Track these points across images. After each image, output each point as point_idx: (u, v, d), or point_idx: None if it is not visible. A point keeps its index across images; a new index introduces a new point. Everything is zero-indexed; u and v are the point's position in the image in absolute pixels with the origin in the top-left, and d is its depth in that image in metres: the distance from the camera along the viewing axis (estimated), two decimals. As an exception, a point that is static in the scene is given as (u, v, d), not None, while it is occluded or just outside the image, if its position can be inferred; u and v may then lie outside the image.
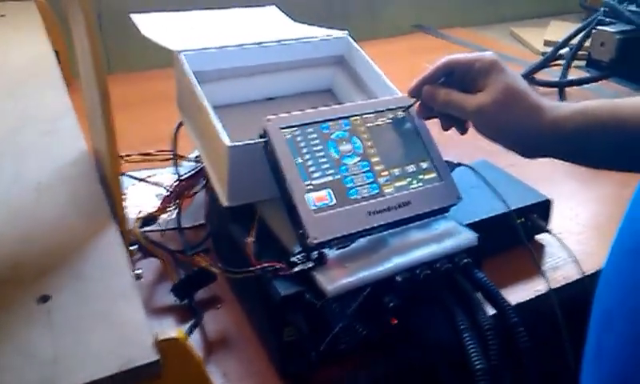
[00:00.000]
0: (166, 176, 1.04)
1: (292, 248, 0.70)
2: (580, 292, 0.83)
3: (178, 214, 0.92)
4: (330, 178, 0.71)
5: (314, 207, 0.68)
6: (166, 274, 0.82)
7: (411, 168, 0.76)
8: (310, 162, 0.71)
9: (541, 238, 0.92)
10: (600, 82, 1.40)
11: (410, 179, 0.75)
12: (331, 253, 0.69)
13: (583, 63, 1.44)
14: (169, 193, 0.91)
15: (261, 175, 0.72)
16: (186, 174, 0.92)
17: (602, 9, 1.37)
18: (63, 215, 0.66)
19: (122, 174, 0.98)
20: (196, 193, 0.93)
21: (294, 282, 0.67)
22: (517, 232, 0.86)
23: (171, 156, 0.94)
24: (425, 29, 2.01)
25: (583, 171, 0.80)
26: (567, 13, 2.09)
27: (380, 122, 0.78)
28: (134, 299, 0.54)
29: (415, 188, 0.75)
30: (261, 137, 0.71)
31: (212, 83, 0.87)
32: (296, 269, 0.67)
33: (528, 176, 0.94)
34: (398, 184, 0.74)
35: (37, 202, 0.67)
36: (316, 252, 0.68)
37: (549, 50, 1.55)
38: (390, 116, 0.79)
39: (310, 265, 0.68)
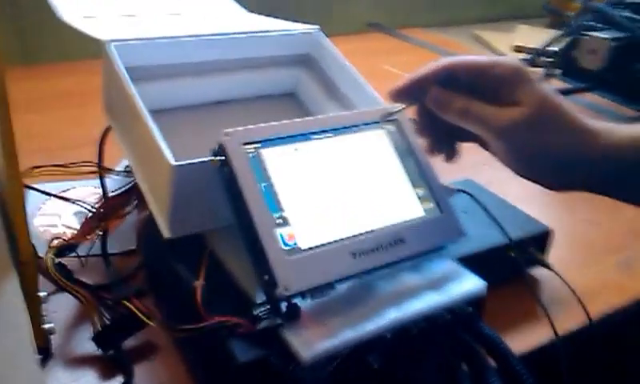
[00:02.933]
0: (88, 190, 0.87)
1: (254, 296, 0.57)
2: (588, 339, 0.73)
3: (104, 238, 0.75)
4: (305, 209, 0.57)
5: (286, 247, 0.53)
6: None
7: (404, 195, 0.62)
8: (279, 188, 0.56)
9: (536, 272, 0.80)
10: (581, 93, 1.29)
11: (402, 210, 0.61)
12: (305, 304, 0.55)
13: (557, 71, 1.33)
14: (92, 214, 0.74)
15: (212, 201, 0.58)
16: (114, 190, 0.76)
17: (591, 14, 1.25)
18: None
19: (30, 188, 0.79)
20: (127, 213, 0.77)
21: (257, 343, 0.53)
22: (514, 266, 0.75)
23: (95, 167, 0.78)
24: (382, 28, 1.87)
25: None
26: (528, 17, 1.99)
27: (364, 139, 0.63)
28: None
29: (410, 221, 0.60)
30: (215, 154, 0.55)
31: (149, 82, 0.73)
32: (260, 326, 0.54)
33: (506, 195, 0.84)
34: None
35: None
36: (286, 303, 0.54)
37: (519, 55, 1.44)
38: (377, 131, 0.64)
39: (279, 322, 0.54)
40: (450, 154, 0.63)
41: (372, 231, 0.58)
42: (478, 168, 0.61)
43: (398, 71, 0.90)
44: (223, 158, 0.55)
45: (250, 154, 0.56)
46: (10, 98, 0.52)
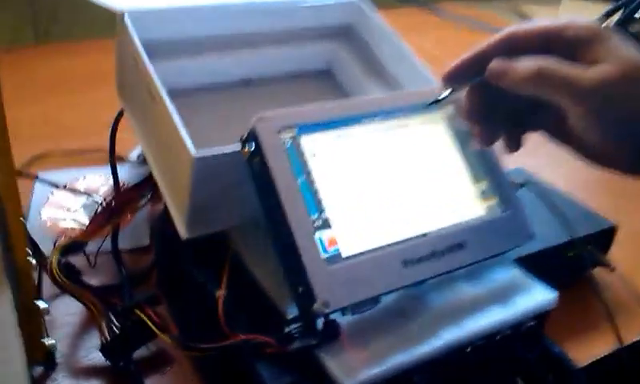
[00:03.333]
0: (100, 179, 0.80)
1: (285, 309, 0.49)
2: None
3: (115, 234, 0.68)
4: (350, 209, 0.49)
5: (326, 254, 0.45)
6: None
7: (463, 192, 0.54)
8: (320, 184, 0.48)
9: (595, 273, 0.71)
10: None
11: (460, 209, 0.53)
12: (345, 321, 0.47)
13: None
14: (102, 208, 0.67)
15: (239, 197, 0.50)
16: (126, 184, 0.69)
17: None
18: None
19: (36, 178, 0.72)
20: (141, 206, 0.70)
21: (288, 367, 0.46)
22: (574, 268, 0.67)
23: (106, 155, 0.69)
24: (413, 2, 1.77)
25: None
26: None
27: (418, 124, 0.54)
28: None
29: (470, 222, 0.52)
30: (244, 143, 0.47)
31: (168, 59, 0.64)
32: (292, 346, 0.46)
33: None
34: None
35: None
36: (323, 320, 0.46)
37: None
38: (433, 115, 0.56)
39: (314, 342, 0.46)
40: (513, 142, 0.53)
41: (426, 235, 0.50)
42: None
43: (431, 49, 0.81)
44: (254, 147, 0.46)
45: (287, 143, 0.47)
46: (15, 81, 0.44)
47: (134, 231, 0.73)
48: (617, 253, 0.72)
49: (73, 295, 0.60)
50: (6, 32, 1.22)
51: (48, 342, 0.53)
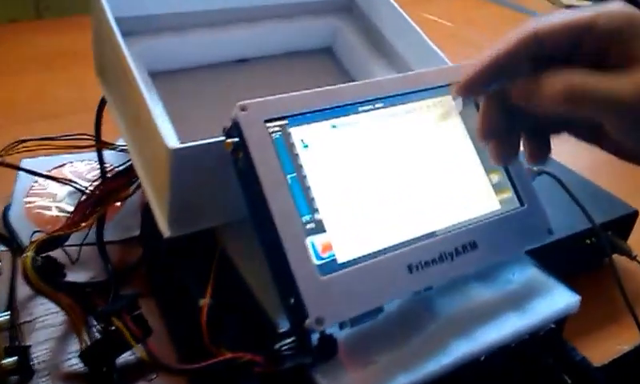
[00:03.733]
0: (86, 166, 0.76)
1: (278, 321, 0.44)
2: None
3: (100, 225, 0.63)
4: (347, 208, 0.43)
5: (319, 261, 0.39)
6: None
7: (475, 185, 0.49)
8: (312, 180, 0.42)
9: (616, 262, 0.65)
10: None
11: (472, 204, 0.47)
12: (343, 335, 0.42)
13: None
14: (87, 196, 0.62)
15: (224, 192, 0.44)
16: (112, 169, 0.64)
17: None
18: None
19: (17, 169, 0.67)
20: (129, 195, 0.64)
21: None
22: (592, 255, 0.64)
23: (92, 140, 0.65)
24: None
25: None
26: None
27: (424, 110, 0.48)
28: None
29: (483, 219, 0.47)
30: (227, 134, 0.41)
31: (149, 37, 0.59)
32: (284, 366, 0.41)
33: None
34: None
35: None
36: (318, 334, 0.40)
37: (575, 3, 1.31)
38: (441, 99, 0.50)
39: (308, 360, 0.41)
40: (539, 150, 0.46)
41: (434, 234, 0.45)
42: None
43: (442, 20, 0.75)
44: (237, 139, 0.41)
45: (275, 135, 0.42)
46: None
47: (124, 220, 0.68)
48: (638, 240, 0.68)
49: (49, 298, 0.55)
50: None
51: (6, 361, 0.48)
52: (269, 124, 0.42)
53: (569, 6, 1.35)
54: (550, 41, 0.41)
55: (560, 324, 0.49)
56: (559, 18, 0.41)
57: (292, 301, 0.39)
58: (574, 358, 0.50)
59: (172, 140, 0.43)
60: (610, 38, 0.40)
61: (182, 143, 0.44)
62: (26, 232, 0.63)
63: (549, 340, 0.48)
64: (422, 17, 0.63)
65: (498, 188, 0.49)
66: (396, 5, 0.64)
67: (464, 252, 0.44)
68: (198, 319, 0.43)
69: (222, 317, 0.44)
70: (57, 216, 0.69)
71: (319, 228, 0.41)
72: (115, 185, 0.63)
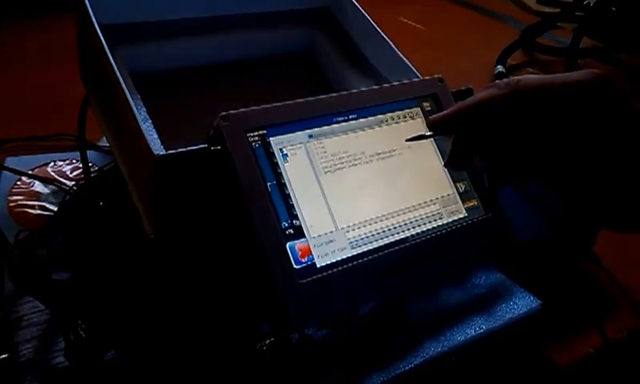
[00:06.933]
0: (69, 165, 0.76)
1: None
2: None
3: (85, 224, 0.63)
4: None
5: (298, 266, 0.41)
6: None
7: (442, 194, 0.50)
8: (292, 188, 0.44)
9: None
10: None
11: (440, 212, 0.49)
12: (319, 336, 0.45)
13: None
14: (70, 195, 0.64)
15: (209, 198, 0.45)
16: (96, 167, 0.66)
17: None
18: None
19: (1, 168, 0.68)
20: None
21: None
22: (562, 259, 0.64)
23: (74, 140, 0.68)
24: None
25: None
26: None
27: (396, 121, 0.50)
28: None
29: (449, 226, 0.49)
30: (210, 141, 0.43)
31: (134, 44, 0.60)
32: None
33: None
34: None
35: None
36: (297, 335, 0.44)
37: (545, 9, 1.31)
38: (411, 110, 0.52)
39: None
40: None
41: (404, 241, 0.47)
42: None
43: (415, 24, 0.76)
44: (219, 148, 0.43)
45: (255, 144, 0.44)
46: None
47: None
48: (602, 246, 0.69)
49: (34, 296, 0.56)
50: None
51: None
52: (249, 133, 0.44)
53: (538, 12, 1.37)
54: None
55: (527, 327, 0.51)
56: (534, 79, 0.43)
57: (271, 304, 0.41)
58: (537, 356, 0.52)
59: (157, 147, 0.45)
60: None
61: (166, 149, 0.45)
62: (9, 230, 0.64)
63: (516, 342, 0.50)
64: (396, 20, 0.65)
65: (464, 197, 0.51)
66: (369, 17, 0.66)
67: (432, 257, 0.47)
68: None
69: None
70: (40, 214, 0.70)
71: (298, 233, 0.43)
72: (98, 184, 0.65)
